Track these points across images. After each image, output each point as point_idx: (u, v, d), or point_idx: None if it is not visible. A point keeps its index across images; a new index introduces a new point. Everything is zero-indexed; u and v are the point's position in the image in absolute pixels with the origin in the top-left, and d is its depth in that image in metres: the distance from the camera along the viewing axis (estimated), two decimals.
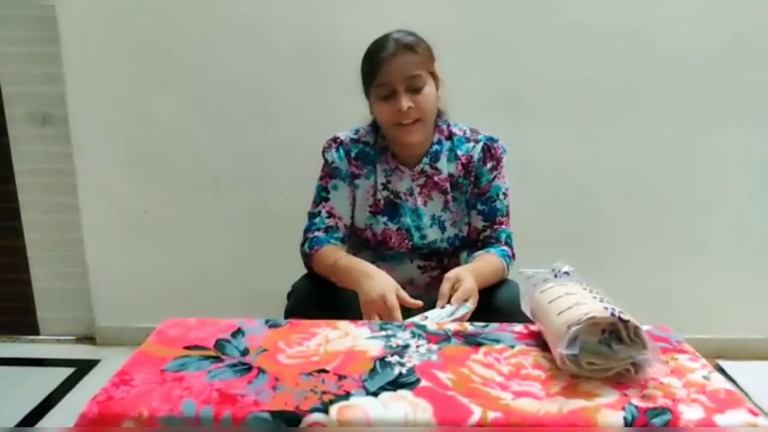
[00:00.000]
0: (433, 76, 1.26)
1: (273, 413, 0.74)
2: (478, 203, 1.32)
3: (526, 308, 0.99)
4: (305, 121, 1.89)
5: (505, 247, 1.33)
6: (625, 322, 0.79)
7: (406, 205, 1.32)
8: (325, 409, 0.74)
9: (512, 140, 1.88)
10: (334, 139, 1.34)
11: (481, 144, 1.32)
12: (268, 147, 1.96)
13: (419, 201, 1.32)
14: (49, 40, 1.92)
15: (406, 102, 1.21)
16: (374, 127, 1.35)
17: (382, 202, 1.32)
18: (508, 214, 1.34)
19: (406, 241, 1.32)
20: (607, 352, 0.79)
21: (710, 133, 1.92)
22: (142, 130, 1.98)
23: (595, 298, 0.87)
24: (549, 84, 1.89)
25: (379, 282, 1.13)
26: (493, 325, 0.99)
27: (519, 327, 0.98)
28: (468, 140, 1.33)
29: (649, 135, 1.92)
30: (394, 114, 1.22)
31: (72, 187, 2.03)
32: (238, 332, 0.95)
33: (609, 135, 1.93)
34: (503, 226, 1.33)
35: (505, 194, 1.34)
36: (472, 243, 1.35)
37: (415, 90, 1.22)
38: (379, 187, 1.32)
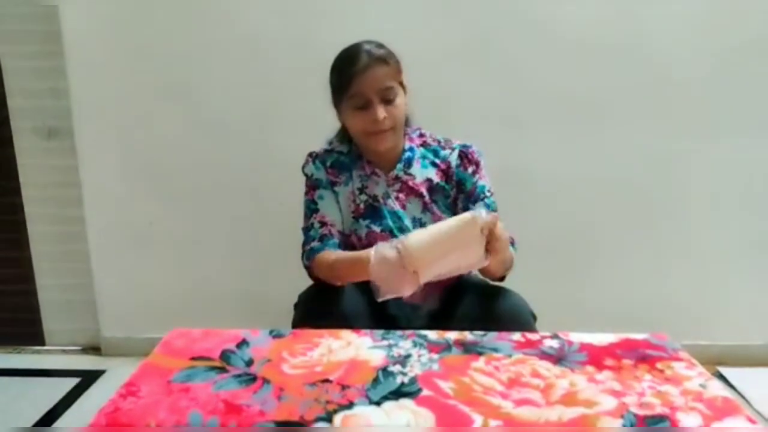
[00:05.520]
0: (402, 86, 1.31)
1: (278, 423, 0.75)
2: (468, 204, 1.34)
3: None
4: (307, 132, 1.90)
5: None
6: None
7: (385, 208, 1.34)
8: (329, 418, 0.75)
9: (509, 150, 1.92)
10: (310, 154, 1.39)
11: (456, 151, 1.36)
12: (270, 158, 1.98)
13: (397, 205, 1.34)
14: (53, 54, 1.95)
15: (381, 112, 1.24)
16: (344, 136, 1.39)
17: (362, 206, 1.34)
18: (496, 210, 1.35)
19: None
20: None
21: (709, 141, 1.93)
22: (147, 143, 2.00)
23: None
24: (546, 95, 1.91)
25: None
26: (492, 334, 1.00)
27: (517, 336, 1.00)
28: (443, 148, 1.37)
29: (646, 144, 1.94)
30: (369, 123, 1.25)
31: (77, 199, 2.05)
32: (242, 343, 0.96)
33: (606, 145, 1.94)
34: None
35: (490, 191, 1.37)
36: None
37: (388, 101, 1.26)
38: (356, 192, 1.35)
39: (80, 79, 1.95)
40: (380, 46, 1.29)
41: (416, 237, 1.04)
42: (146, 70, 1.95)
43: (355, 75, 1.24)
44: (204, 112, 1.97)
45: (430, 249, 1.03)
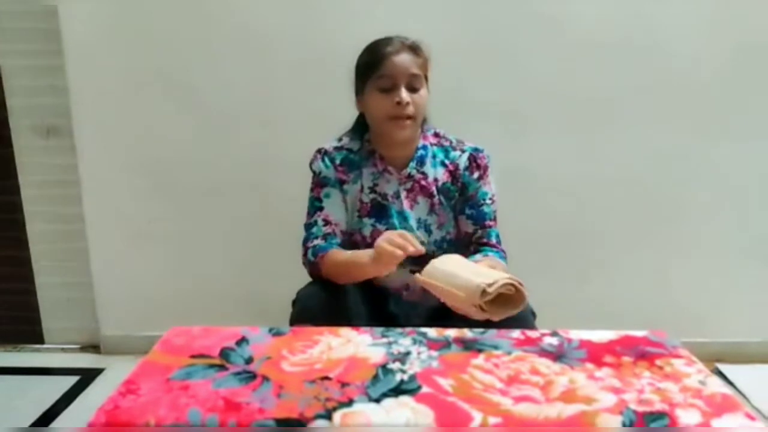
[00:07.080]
0: (427, 81, 1.32)
1: (277, 420, 0.75)
2: (466, 208, 1.35)
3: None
4: (308, 129, 1.91)
5: (499, 249, 1.35)
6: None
7: (393, 207, 1.34)
8: (328, 415, 0.75)
9: (512, 148, 1.92)
10: (319, 150, 1.38)
11: (467, 154, 1.36)
12: (271, 155, 1.98)
13: (405, 204, 1.34)
14: (52, 52, 1.95)
15: (406, 96, 1.25)
16: (357, 133, 1.39)
17: (368, 205, 1.34)
18: (495, 219, 1.37)
19: None
20: None
21: (708, 141, 1.94)
22: (146, 141, 2.00)
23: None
24: (549, 93, 1.91)
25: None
26: (491, 332, 1.00)
27: (516, 333, 1.00)
28: (455, 149, 1.37)
29: (647, 143, 1.94)
30: (392, 106, 1.26)
31: (77, 197, 2.05)
32: (242, 341, 0.96)
33: (608, 143, 1.95)
34: (492, 228, 1.36)
35: (492, 200, 1.37)
36: (464, 246, 1.36)
37: (413, 89, 1.27)
38: (366, 190, 1.35)
39: (79, 77, 1.95)
40: (410, 39, 1.32)
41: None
42: (146, 68, 1.94)
43: (387, 56, 1.26)
44: (204, 110, 1.97)
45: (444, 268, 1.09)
